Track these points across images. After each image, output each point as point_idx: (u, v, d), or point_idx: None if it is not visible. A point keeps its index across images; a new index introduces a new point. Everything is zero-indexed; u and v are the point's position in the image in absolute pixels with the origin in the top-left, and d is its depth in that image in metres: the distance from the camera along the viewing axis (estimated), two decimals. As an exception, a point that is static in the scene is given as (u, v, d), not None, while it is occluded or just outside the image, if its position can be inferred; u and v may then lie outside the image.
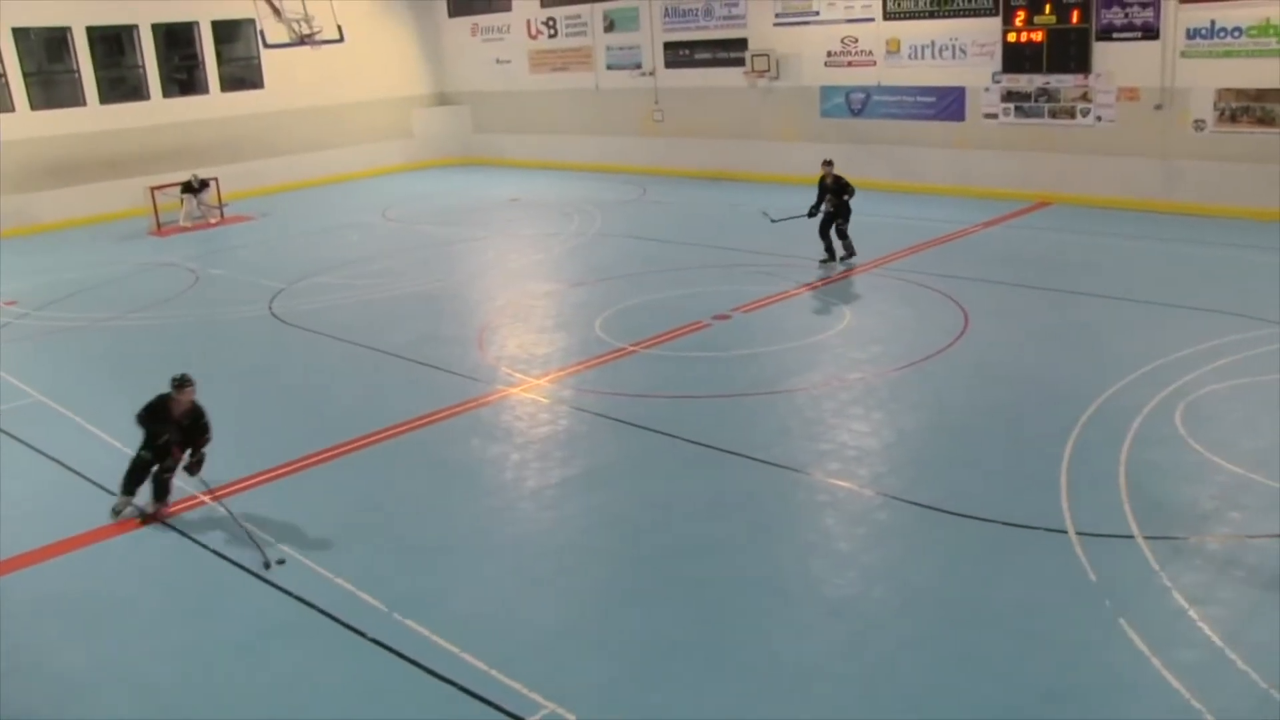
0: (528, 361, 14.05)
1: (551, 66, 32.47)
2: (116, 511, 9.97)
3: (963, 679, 6.98)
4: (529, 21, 32.62)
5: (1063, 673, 6.96)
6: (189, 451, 9.86)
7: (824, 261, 17.95)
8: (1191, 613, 7.45)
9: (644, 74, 30.02)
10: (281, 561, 8.92)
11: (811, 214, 18.03)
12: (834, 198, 17.79)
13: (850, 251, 18.01)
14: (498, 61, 33.85)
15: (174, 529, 9.76)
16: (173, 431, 9.75)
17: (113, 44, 29.11)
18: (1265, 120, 19.79)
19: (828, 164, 18.09)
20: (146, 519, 9.91)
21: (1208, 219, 20.17)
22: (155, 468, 9.91)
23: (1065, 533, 8.70)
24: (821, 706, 6.80)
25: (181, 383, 9.75)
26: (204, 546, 9.38)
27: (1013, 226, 20.88)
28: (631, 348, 14.28)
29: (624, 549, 9.12)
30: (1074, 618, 7.55)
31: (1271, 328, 13.35)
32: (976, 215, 21.57)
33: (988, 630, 7.50)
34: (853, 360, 13.35)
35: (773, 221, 19.03)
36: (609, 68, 31.00)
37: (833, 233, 17.91)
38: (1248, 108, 19.95)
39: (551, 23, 31.99)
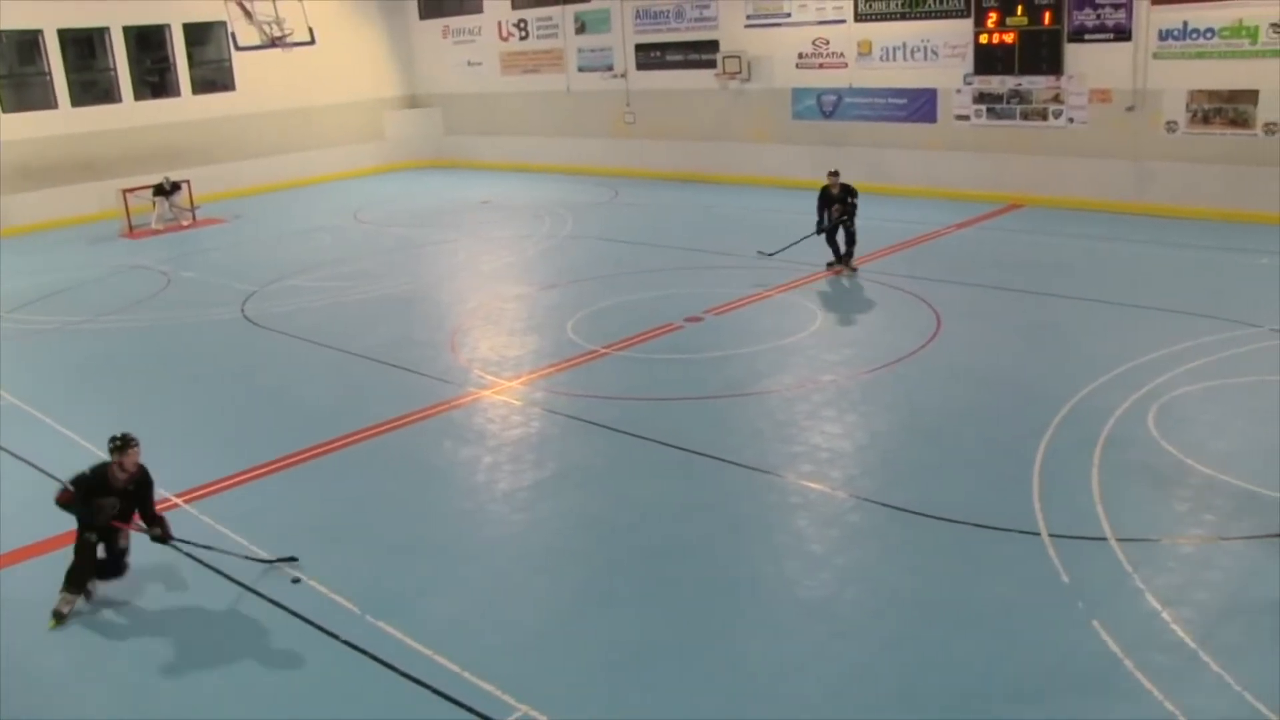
0: (500, 364, 13.97)
1: (523, 68, 32.38)
2: (60, 615, 8.25)
3: (935, 681, 6.95)
4: (500, 23, 32.52)
5: (1035, 674, 6.95)
6: (144, 520, 8.54)
7: (831, 264, 17.64)
8: (1165, 614, 7.45)
9: (615, 76, 29.98)
10: (297, 580, 8.61)
11: (820, 230, 17.48)
12: (841, 206, 17.28)
13: (851, 256, 17.61)
14: (469, 64, 33.74)
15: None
16: (108, 507, 8.27)
17: (84, 46, 28.81)
18: (1237, 122, 19.90)
19: (834, 174, 17.55)
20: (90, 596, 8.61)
21: (1180, 220, 20.27)
22: (99, 546, 8.44)
23: (1038, 534, 8.70)
24: (795, 707, 6.76)
25: (124, 444, 8.27)
26: (177, 549, 9.25)
27: (985, 228, 20.94)
28: (604, 350, 14.22)
29: (596, 551, 9.07)
30: (1047, 620, 7.54)
31: (1244, 329, 13.42)
32: (948, 217, 21.62)
33: (960, 632, 7.48)
34: (825, 362, 13.34)
35: (770, 255, 18.44)
36: (580, 70, 30.94)
37: (839, 236, 17.45)
38: (1220, 109, 20.06)
39: (523, 24, 31.90)
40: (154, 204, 26.09)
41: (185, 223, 26.29)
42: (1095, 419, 10.90)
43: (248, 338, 16.12)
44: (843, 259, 17.60)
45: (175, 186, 26.39)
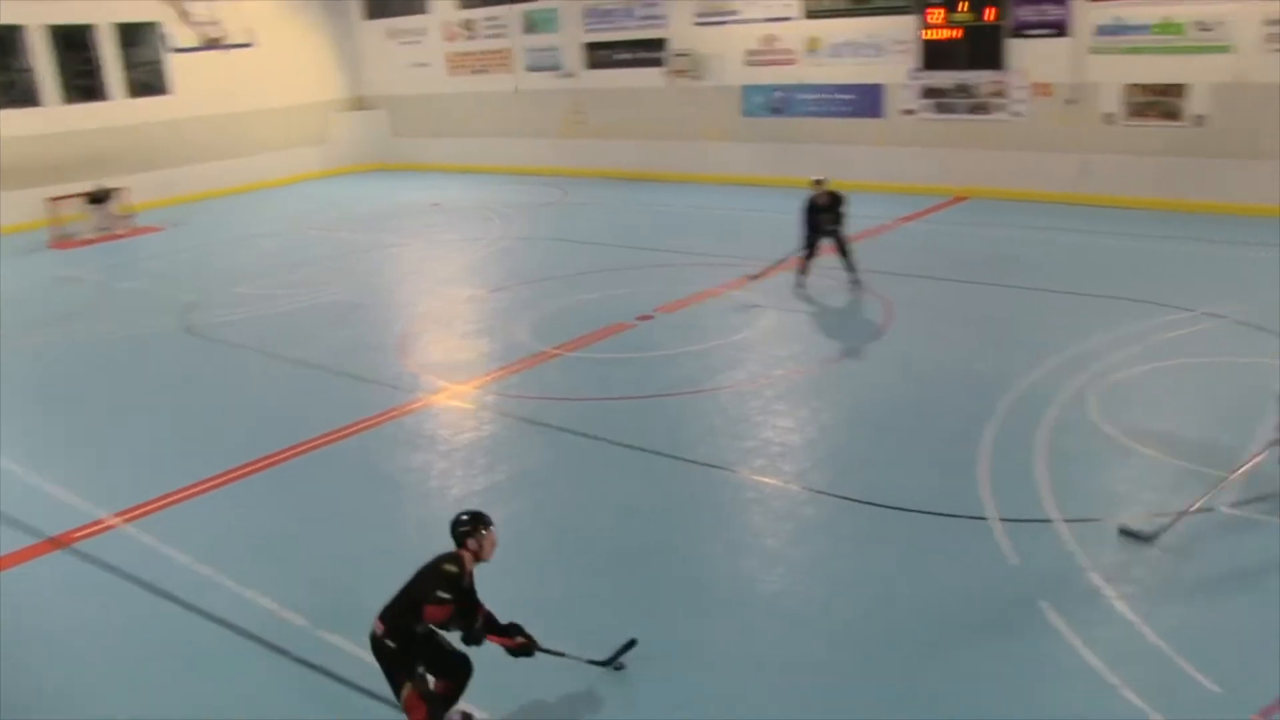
0: (451, 368, 13.91)
1: (470, 69, 32.26)
2: None
3: (889, 667, 7.04)
4: (446, 24, 32.38)
5: (986, 655, 7.09)
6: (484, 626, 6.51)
7: (800, 287, 16.32)
8: (1108, 591, 7.64)
9: (565, 75, 29.93)
10: (620, 667, 7.26)
11: (810, 246, 16.08)
12: (831, 215, 15.83)
13: (854, 268, 16.23)
14: (415, 65, 33.55)
15: (81, 555, 9.41)
16: (455, 618, 6.24)
17: (1, 46, 27.45)
18: (1170, 114, 20.35)
19: (819, 182, 15.96)
20: None
21: (1119, 210, 20.64)
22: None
23: (986, 519, 8.83)
24: (752, 703, 6.82)
25: (482, 522, 6.46)
26: (117, 572, 9.06)
27: (932, 221, 21.16)
28: (555, 351, 14.21)
29: (552, 554, 9.04)
30: (996, 601, 7.69)
31: (1180, 313, 13.72)
32: (897, 210, 21.82)
33: (914, 618, 7.58)
34: (776, 357, 13.42)
35: (753, 278, 16.89)
36: (529, 69, 30.87)
37: (825, 249, 16.25)
38: (1153, 102, 20.49)
39: (469, 24, 31.78)
40: (86, 212, 25.40)
41: (120, 231, 25.61)
42: (1040, 404, 11.09)
43: (190, 349, 15.83)
44: (848, 275, 16.22)
45: (108, 194, 25.68)
